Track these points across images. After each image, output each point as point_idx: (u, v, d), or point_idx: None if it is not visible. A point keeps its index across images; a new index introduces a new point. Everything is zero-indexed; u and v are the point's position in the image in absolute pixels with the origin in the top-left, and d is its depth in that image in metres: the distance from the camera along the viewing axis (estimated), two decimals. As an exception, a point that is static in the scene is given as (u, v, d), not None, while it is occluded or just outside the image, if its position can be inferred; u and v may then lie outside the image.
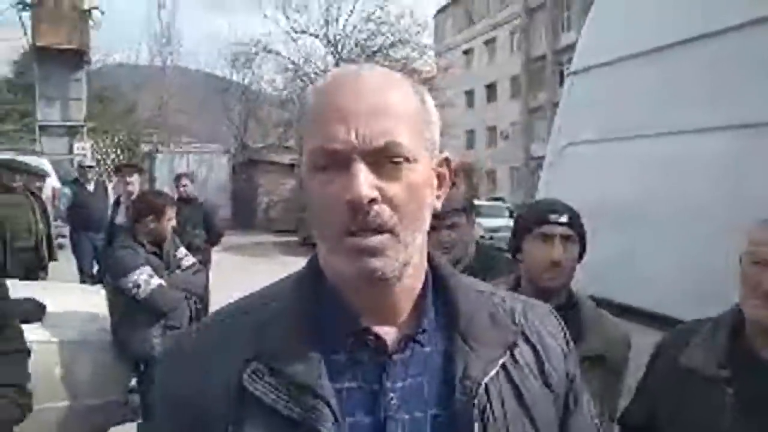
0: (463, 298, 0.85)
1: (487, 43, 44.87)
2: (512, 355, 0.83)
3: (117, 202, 6.43)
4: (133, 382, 3.76)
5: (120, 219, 6.15)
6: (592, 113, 2.94)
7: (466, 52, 46.19)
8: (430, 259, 0.86)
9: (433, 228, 0.86)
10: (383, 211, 0.73)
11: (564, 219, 1.82)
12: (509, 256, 2.06)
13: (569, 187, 2.71)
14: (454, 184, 0.88)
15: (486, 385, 0.79)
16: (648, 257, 2.42)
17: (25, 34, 16.15)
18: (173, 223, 3.64)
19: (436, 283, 0.85)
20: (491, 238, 17.15)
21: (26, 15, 15.92)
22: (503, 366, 0.81)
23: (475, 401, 0.77)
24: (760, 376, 1.48)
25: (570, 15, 37.01)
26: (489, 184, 41.49)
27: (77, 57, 15.60)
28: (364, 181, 0.72)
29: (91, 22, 15.88)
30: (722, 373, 1.51)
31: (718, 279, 1.66)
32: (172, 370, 0.83)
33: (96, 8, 16.13)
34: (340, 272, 0.77)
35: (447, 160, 0.85)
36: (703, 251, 2.16)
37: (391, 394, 0.77)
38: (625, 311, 2.17)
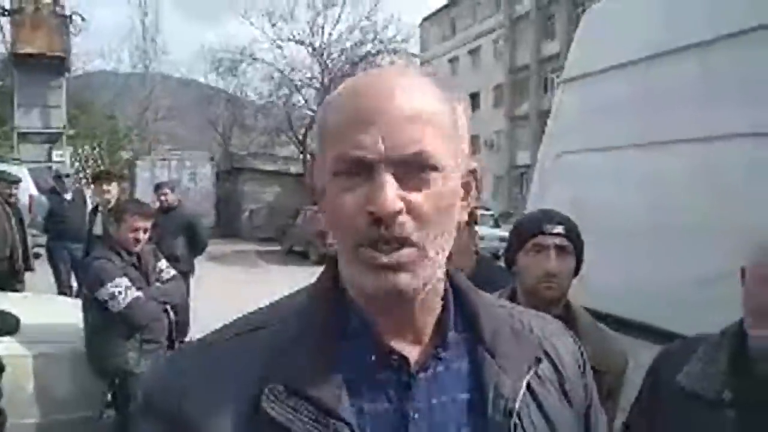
0: (484, 312, 0.82)
1: (471, 52, 45.24)
2: (536, 372, 0.80)
3: (95, 211, 6.30)
4: (108, 397, 3.66)
5: (98, 229, 6.02)
6: (584, 122, 2.94)
7: (450, 61, 46.53)
8: (446, 273, 0.81)
9: None
10: (408, 223, 0.69)
11: (559, 229, 1.81)
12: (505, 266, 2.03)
13: (561, 197, 2.69)
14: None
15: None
16: (642, 268, 2.39)
17: (4, 39, 15.97)
18: (142, 235, 3.48)
19: (456, 297, 0.82)
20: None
21: (5, 20, 15.78)
22: (527, 383, 0.79)
23: (512, 421, 0.74)
24: (763, 399, 1.42)
25: (554, 24, 37.43)
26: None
27: (57, 64, 15.42)
28: (390, 191, 0.67)
29: (72, 29, 15.73)
30: (723, 397, 1.46)
31: (715, 291, 1.61)
32: (168, 392, 0.74)
33: (77, 14, 15.98)
34: (359, 286, 0.73)
35: (474, 171, 0.81)
36: (699, 262, 2.13)
37: (416, 414, 0.74)
38: (622, 325, 2.13)
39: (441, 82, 0.77)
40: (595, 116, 2.86)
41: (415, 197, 0.69)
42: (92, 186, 6.90)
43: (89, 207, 7.12)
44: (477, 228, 2.68)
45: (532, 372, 0.79)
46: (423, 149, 0.69)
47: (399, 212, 0.68)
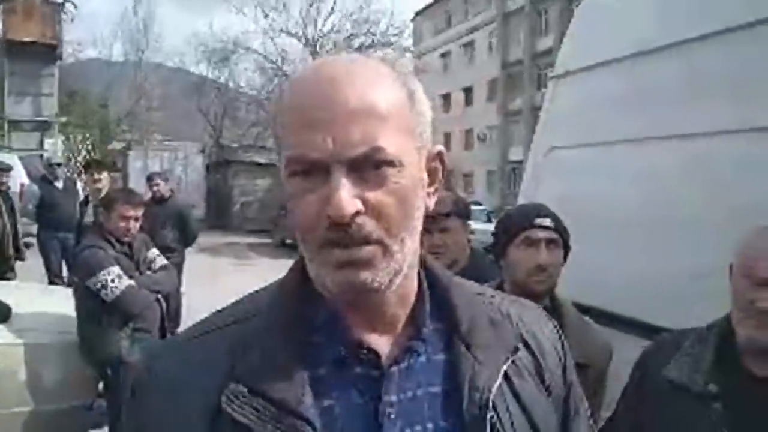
0: (461, 302, 0.80)
1: (464, 46, 45.16)
2: (513, 361, 0.79)
3: (86, 201, 6.26)
4: (100, 386, 3.66)
5: (89, 218, 5.99)
6: (576, 117, 2.94)
7: (443, 55, 46.44)
8: (423, 262, 0.81)
9: (425, 230, 0.80)
10: (367, 223, 0.67)
11: (548, 223, 1.82)
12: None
13: (553, 191, 2.70)
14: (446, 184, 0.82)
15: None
16: (632, 262, 2.41)
17: (-4, 26, 15.82)
18: (133, 223, 3.48)
19: (432, 287, 0.80)
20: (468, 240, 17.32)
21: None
22: (505, 372, 0.77)
23: (488, 412, 0.73)
24: (749, 392, 1.44)
25: (547, 19, 37.43)
26: (465, 187, 41.71)
27: (49, 51, 15.30)
28: (345, 193, 0.65)
29: (64, 16, 15.60)
30: (710, 389, 1.47)
31: (705, 286, 1.63)
32: (143, 399, 0.75)
33: (69, 1, 15.86)
34: (323, 284, 0.71)
35: (440, 154, 0.78)
36: (690, 257, 2.15)
37: (389, 409, 0.72)
38: (611, 320, 2.15)
39: (394, 65, 0.74)
40: (586, 111, 2.87)
41: (374, 195, 0.68)
42: (83, 175, 6.86)
43: (80, 196, 7.09)
44: (469, 222, 2.69)
45: (508, 362, 0.78)
46: (376, 145, 0.67)
47: (357, 213, 0.66)
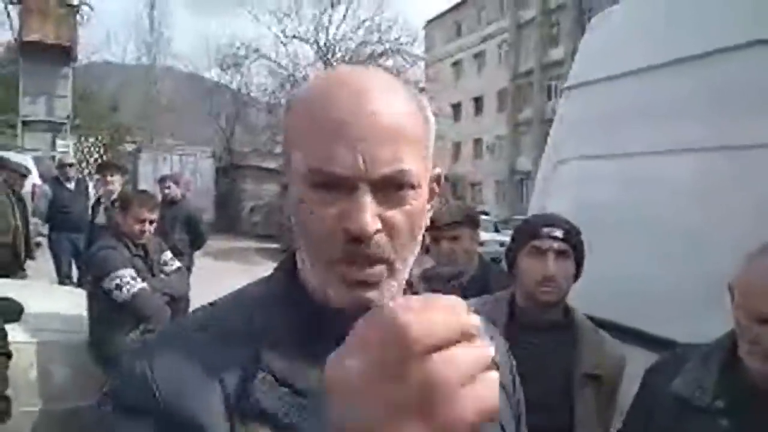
0: None
1: (476, 56, 45.19)
2: None
3: (98, 202, 6.31)
4: (111, 386, 3.67)
5: (100, 219, 6.03)
6: (587, 130, 2.94)
7: (454, 64, 46.48)
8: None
9: (434, 240, 0.82)
10: (383, 242, 0.69)
11: (558, 233, 1.81)
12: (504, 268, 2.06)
13: (564, 202, 2.71)
14: (441, 196, 0.84)
15: None
16: (644, 275, 2.41)
17: (12, 29, 15.98)
18: (148, 226, 3.51)
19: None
20: (476, 250, 17.27)
21: (12, 8, 15.78)
22: None
23: None
24: (756, 406, 1.44)
25: (559, 31, 37.41)
26: (474, 197, 41.64)
27: (63, 53, 15.42)
28: (370, 211, 0.67)
29: (79, 18, 15.74)
30: (717, 404, 1.47)
31: (718, 299, 1.63)
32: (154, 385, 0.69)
33: (85, 4, 15.99)
34: (329, 297, 0.72)
35: (439, 176, 0.80)
36: (703, 270, 2.14)
37: None
38: (620, 332, 2.15)
39: (409, 87, 0.76)
40: (597, 124, 2.87)
41: (392, 215, 0.69)
42: (96, 176, 6.91)
43: (92, 197, 7.15)
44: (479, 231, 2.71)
45: None
46: (403, 168, 0.68)
47: (378, 231, 0.68)
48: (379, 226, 0.68)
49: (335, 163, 0.67)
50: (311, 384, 0.69)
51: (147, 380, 0.69)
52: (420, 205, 0.72)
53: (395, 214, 0.69)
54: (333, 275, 0.70)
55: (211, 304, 0.82)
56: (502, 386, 0.83)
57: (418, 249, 0.76)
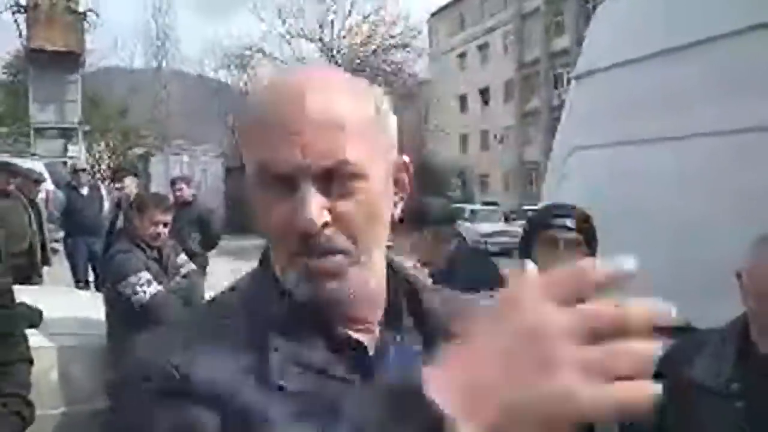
0: (432, 297, 0.83)
1: (480, 47, 44.98)
2: None
3: (118, 205, 6.36)
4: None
5: (120, 223, 6.10)
6: (598, 118, 2.93)
7: (460, 56, 46.31)
8: (391, 265, 0.83)
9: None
10: (335, 234, 0.70)
11: (569, 223, 1.82)
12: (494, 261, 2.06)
13: (576, 191, 2.70)
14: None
15: None
16: (659, 263, 2.40)
17: (20, 36, 16.10)
18: (163, 228, 3.53)
19: (404, 289, 0.82)
20: (485, 242, 17.21)
21: (21, 17, 15.88)
22: None
23: None
24: None
25: (563, 20, 37.15)
26: (482, 188, 41.54)
27: (72, 59, 15.53)
28: (314, 205, 0.67)
29: (86, 24, 15.84)
30: (732, 387, 1.49)
31: (736, 285, 1.63)
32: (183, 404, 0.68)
33: (91, 11, 16.10)
34: (294, 291, 0.73)
35: (405, 164, 0.81)
36: (720, 257, 2.14)
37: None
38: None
39: (360, 79, 0.77)
40: (609, 111, 2.86)
41: (342, 206, 0.69)
42: (114, 181, 6.99)
43: (105, 201, 7.21)
44: (475, 224, 2.73)
45: None
46: (345, 158, 0.68)
47: (325, 224, 0.68)
48: (327, 218, 0.68)
49: (277, 158, 0.68)
50: (326, 361, 0.71)
51: (171, 364, 0.70)
52: (374, 195, 0.72)
53: (346, 206, 0.70)
54: (294, 267, 0.72)
55: (210, 301, 0.84)
56: None
57: (384, 239, 0.77)
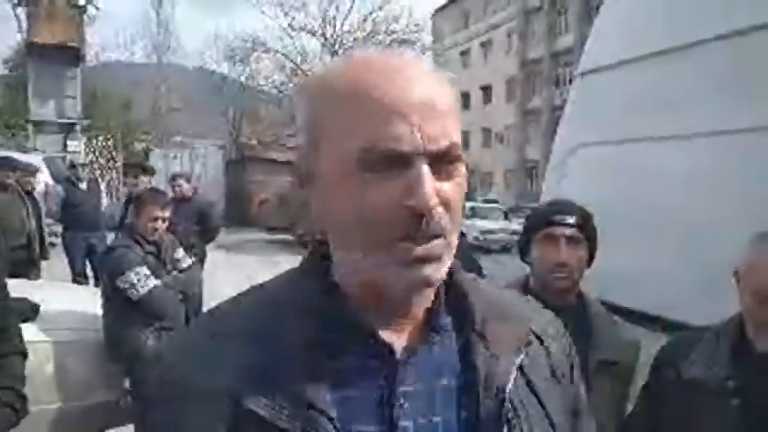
0: (474, 296, 0.81)
1: (483, 44, 44.97)
2: (527, 354, 0.80)
3: (128, 201, 6.37)
4: (127, 383, 3.71)
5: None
6: (601, 115, 2.92)
7: (462, 54, 46.30)
8: None
9: None
10: (443, 216, 0.69)
11: (570, 220, 1.81)
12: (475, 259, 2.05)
13: (579, 188, 2.69)
14: None
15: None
16: (661, 261, 2.39)
17: (20, 30, 16.08)
18: (160, 224, 3.54)
19: (446, 282, 0.80)
20: (486, 239, 17.29)
21: (20, 10, 15.87)
22: (520, 366, 0.78)
23: (504, 404, 0.74)
24: (766, 386, 1.46)
25: (567, 18, 37.12)
26: (483, 185, 41.56)
27: (72, 54, 15.50)
28: (430, 185, 0.67)
29: (86, 18, 15.82)
30: (728, 385, 1.49)
31: (734, 285, 1.62)
32: (162, 407, 0.73)
33: (92, 4, 16.07)
34: (383, 282, 0.71)
35: None
36: (721, 255, 2.13)
37: (402, 400, 0.72)
38: (638, 318, 2.14)
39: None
40: (611, 109, 2.85)
41: (447, 189, 0.69)
42: (126, 175, 7.04)
43: (104, 196, 7.21)
44: (475, 221, 2.71)
45: (522, 355, 0.79)
46: (454, 141, 0.69)
47: (437, 205, 0.68)
48: (438, 199, 0.68)
49: (392, 139, 0.66)
50: (312, 385, 0.69)
51: (154, 404, 0.73)
52: (464, 179, 0.73)
53: (450, 188, 0.70)
54: (390, 256, 0.68)
55: (235, 299, 0.81)
56: (555, 377, 0.83)
57: None
